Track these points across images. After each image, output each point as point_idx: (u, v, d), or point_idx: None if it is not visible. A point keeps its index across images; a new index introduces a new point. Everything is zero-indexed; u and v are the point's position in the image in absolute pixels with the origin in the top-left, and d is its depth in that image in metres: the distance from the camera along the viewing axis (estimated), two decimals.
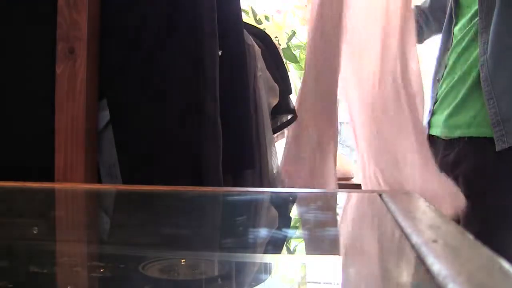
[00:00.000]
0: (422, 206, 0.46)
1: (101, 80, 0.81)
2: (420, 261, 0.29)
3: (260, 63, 1.11)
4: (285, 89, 1.25)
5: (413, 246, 0.32)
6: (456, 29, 1.49)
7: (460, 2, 1.51)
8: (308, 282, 0.42)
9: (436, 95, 1.52)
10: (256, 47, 1.11)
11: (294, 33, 2.27)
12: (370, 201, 0.67)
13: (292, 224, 0.64)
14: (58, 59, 0.77)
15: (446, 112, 1.46)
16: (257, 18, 2.26)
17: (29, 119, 0.81)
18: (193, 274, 0.41)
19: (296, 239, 0.57)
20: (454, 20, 1.51)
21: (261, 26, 2.11)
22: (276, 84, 1.18)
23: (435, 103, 1.53)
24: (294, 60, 2.26)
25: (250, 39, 1.08)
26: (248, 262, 0.46)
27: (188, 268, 0.42)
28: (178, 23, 0.80)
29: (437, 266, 0.27)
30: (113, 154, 0.80)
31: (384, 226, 0.53)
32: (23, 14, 0.81)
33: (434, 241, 0.32)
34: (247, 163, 0.96)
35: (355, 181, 2.05)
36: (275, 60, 1.24)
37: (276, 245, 0.53)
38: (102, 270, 0.40)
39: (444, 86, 1.50)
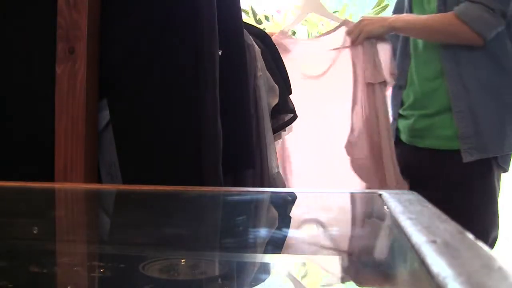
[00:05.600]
0: (422, 206, 0.46)
1: (101, 80, 0.80)
2: (420, 261, 0.29)
3: (260, 63, 1.11)
4: (285, 89, 1.25)
5: (413, 246, 0.32)
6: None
7: (413, 7, 1.51)
8: (308, 282, 0.42)
9: (401, 102, 1.54)
10: (256, 47, 1.11)
11: (294, 33, 2.27)
12: (370, 201, 0.67)
13: (291, 224, 0.64)
14: (58, 59, 0.77)
15: (412, 121, 1.48)
16: (257, 18, 2.26)
17: (29, 119, 0.81)
18: (193, 274, 0.41)
19: (296, 239, 0.56)
20: None
21: (261, 26, 2.11)
22: (276, 84, 1.18)
23: (399, 109, 1.55)
24: None
25: (250, 39, 1.08)
26: (248, 262, 0.46)
27: (188, 268, 0.42)
28: (178, 23, 0.80)
29: (437, 266, 0.27)
30: (113, 154, 0.80)
31: (384, 226, 0.53)
32: (23, 14, 0.81)
33: (434, 241, 0.32)
34: (247, 163, 0.96)
35: None
36: (275, 60, 1.24)
37: (275, 245, 0.53)
38: (102, 270, 0.40)
39: (409, 94, 1.51)
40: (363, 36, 1.47)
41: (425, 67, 1.46)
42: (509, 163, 1.42)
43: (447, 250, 0.30)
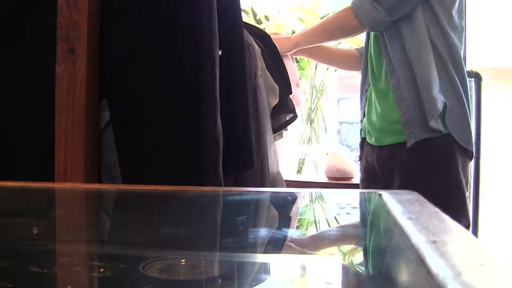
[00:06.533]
0: (422, 206, 0.46)
1: (101, 80, 0.81)
2: (420, 261, 0.29)
3: (260, 63, 1.11)
4: (285, 89, 1.25)
5: (412, 246, 0.32)
6: (371, 38, 1.54)
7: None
8: (308, 282, 0.42)
9: (365, 104, 1.58)
10: (256, 47, 1.11)
11: (294, 33, 2.27)
12: (370, 200, 0.67)
13: (292, 224, 0.64)
14: (58, 59, 0.77)
15: (372, 121, 1.52)
16: (257, 18, 2.26)
17: (29, 119, 0.81)
18: (193, 274, 0.41)
19: (296, 239, 0.57)
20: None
21: (261, 26, 2.11)
22: (276, 84, 1.18)
23: (365, 112, 1.59)
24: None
25: (250, 39, 1.08)
26: (248, 262, 0.46)
27: (188, 268, 0.42)
28: (178, 23, 0.80)
29: (437, 266, 0.27)
30: (113, 154, 0.80)
31: (383, 226, 0.53)
32: (23, 14, 0.81)
33: (434, 241, 0.32)
34: (247, 163, 0.96)
35: (355, 181, 2.05)
36: (275, 60, 1.24)
37: (276, 245, 0.53)
38: (102, 270, 0.40)
39: (368, 95, 1.56)
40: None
41: (376, 69, 1.51)
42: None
43: (447, 250, 0.30)
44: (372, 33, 1.51)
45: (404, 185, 1.26)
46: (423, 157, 1.39)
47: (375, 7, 1.38)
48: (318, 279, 0.42)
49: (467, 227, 1.45)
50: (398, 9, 1.38)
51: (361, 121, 1.61)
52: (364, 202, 0.71)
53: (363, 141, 1.61)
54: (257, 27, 1.35)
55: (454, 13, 1.41)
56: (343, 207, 0.73)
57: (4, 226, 0.53)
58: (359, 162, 1.68)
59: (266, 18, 2.27)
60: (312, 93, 2.18)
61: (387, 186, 1.44)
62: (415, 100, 1.38)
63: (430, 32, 1.39)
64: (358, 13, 1.42)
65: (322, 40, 1.59)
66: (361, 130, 1.62)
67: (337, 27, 1.50)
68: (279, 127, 1.27)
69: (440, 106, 1.36)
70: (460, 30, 1.43)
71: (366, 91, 1.57)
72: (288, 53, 1.56)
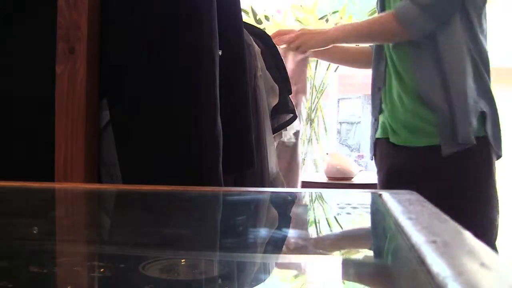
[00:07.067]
0: (422, 206, 0.46)
1: (101, 80, 0.81)
2: (420, 261, 0.29)
3: (260, 63, 1.11)
4: (285, 89, 1.25)
5: (412, 246, 0.32)
6: None
7: (385, 7, 1.49)
8: (308, 282, 0.42)
9: (380, 103, 1.52)
10: (256, 47, 1.11)
11: None
12: (370, 200, 0.67)
13: (291, 224, 0.64)
14: (58, 59, 0.77)
15: (399, 119, 1.45)
16: (257, 18, 2.26)
17: (29, 119, 0.81)
18: (193, 274, 0.41)
19: (296, 239, 0.57)
20: None
21: (261, 26, 2.11)
22: (276, 84, 1.18)
23: (378, 110, 1.54)
24: None
25: (250, 39, 1.08)
26: (248, 262, 0.46)
27: (188, 268, 0.42)
28: (178, 23, 0.80)
29: (436, 266, 0.27)
30: (113, 154, 0.80)
31: (383, 226, 0.53)
32: (23, 14, 0.81)
33: (434, 241, 0.32)
34: (247, 163, 0.96)
35: (355, 181, 2.05)
36: (275, 60, 1.24)
37: (275, 245, 0.53)
38: (102, 270, 0.40)
39: (387, 95, 1.49)
40: (302, 50, 1.48)
41: (401, 69, 1.44)
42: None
43: (447, 250, 0.30)
44: None
45: (440, 192, 1.18)
46: (460, 164, 1.35)
47: (423, 15, 1.32)
48: (318, 279, 0.42)
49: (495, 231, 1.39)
50: (445, 16, 1.34)
51: (376, 120, 1.54)
52: (364, 202, 0.71)
53: (378, 141, 1.54)
54: (257, 27, 1.34)
55: (483, 15, 1.38)
56: (343, 207, 0.73)
57: (4, 226, 0.53)
58: (373, 160, 1.60)
59: (266, 18, 2.27)
60: (312, 93, 2.18)
61: (415, 189, 1.37)
62: (448, 108, 1.33)
63: (465, 37, 1.34)
64: (403, 20, 1.35)
65: (358, 41, 1.53)
66: (375, 129, 1.55)
67: (377, 31, 1.43)
68: (279, 127, 1.27)
69: (475, 114, 1.33)
70: (486, 33, 1.39)
71: (379, 89, 1.52)
72: (320, 48, 1.49)
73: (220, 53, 0.82)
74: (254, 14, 2.27)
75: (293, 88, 1.39)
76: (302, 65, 1.54)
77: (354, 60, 1.68)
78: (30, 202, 0.66)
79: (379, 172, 1.56)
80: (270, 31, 1.50)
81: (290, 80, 1.31)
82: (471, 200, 1.36)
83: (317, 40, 1.44)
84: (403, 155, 1.45)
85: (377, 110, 1.54)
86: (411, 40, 1.38)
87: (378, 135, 1.54)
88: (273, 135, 1.21)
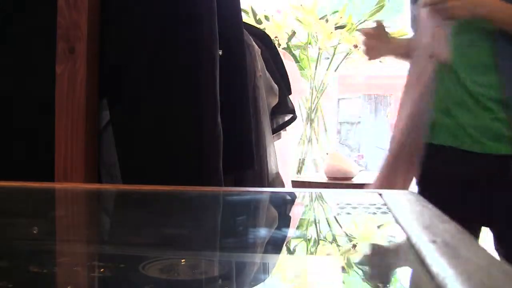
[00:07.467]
0: (422, 206, 0.46)
1: (101, 80, 0.81)
2: (420, 261, 0.29)
3: (260, 63, 1.11)
4: (285, 89, 1.25)
5: (413, 246, 0.32)
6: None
7: None
8: (308, 282, 0.42)
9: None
10: (256, 47, 1.11)
11: (294, 33, 2.27)
12: (370, 200, 0.67)
13: (291, 223, 0.64)
14: (58, 59, 0.77)
15: (483, 125, 1.21)
16: (257, 18, 2.26)
17: (29, 119, 0.81)
18: (193, 274, 0.41)
19: (296, 238, 0.57)
20: None
21: (261, 26, 2.11)
22: (275, 85, 1.18)
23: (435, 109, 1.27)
24: (294, 60, 2.26)
25: (250, 39, 1.08)
26: (248, 262, 0.46)
27: (188, 268, 0.42)
28: (178, 23, 0.80)
29: (436, 266, 0.27)
30: (113, 154, 0.80)
31: (384, 226, 0.53)
32: (23, 13, 0.81)
33: (434, 241, 0.32)
34: (247, 163, 0.96)
35: (355, 181, 2.05)
36: (275, 60, 1.24)
37: (275, 245, 0.53)
38: (102, 270, 0.40)
39: (444, 90, 1.24)
40: (446, 16, 1.19)
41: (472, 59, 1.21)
42: None
43: (447, 250, 0.30)
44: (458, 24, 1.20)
45: None
46: None
47: None
48: (318, 279, 0.42)
49: None
50: None
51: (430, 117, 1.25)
52: (364, 202, 0.71)
53: (435, 147, 1.25)
54: (257, 27, 1.35)
55: None
56: (343, 207, 0.73)
57: (4, 226, 0.53)
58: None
59: (266, 18, 2.27)
60: (312, 93, 2.18)
61: (488, 203, 1.19)
62: None
63: None
64: None
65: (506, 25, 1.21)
66: (433, 132, 1.27)
67: None
68: (278, 128, 1.27)
69: None
70: None
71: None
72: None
73: (220, 53, 0.82)
74: (254, 14, 2.27)
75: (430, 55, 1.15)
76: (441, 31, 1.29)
77: None
78: (30, 202, 0.66)
79: (437, 181, 1.27)
80: (270, 31, 1.49)
81: (426, 47, 1.14)
82: None
83: (466, 12, 1.16)
84: (482, 163, 1.20)
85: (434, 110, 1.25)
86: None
87: (441, 141, 1.27)
88: (273, 135, 1.21)
